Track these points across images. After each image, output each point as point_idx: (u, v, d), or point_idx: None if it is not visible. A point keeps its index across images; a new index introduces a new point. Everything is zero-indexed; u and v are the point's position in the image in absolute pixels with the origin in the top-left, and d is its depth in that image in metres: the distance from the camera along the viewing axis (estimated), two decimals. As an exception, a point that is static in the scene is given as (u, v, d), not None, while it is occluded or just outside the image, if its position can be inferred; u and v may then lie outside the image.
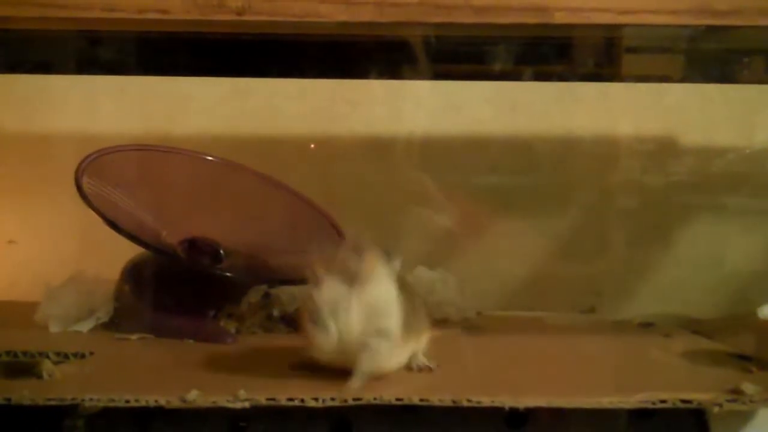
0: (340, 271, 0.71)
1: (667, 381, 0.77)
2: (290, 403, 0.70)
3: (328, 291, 0.72)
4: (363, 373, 0.71)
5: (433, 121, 1.20)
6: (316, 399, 0.70)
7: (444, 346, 0.83)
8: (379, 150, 1.18)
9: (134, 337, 0.93)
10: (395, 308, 0.72)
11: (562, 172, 1.19)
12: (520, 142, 1.19)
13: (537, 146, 1.19)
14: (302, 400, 0.70)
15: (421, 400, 0.70)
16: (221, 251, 1.00)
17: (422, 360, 0.79)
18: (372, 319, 0.71)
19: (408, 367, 0.78)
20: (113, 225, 0.90)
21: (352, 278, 0.70)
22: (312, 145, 1.18)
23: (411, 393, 0.70)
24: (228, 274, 0.97)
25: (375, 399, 0.70)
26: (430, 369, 0.78)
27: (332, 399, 0.70)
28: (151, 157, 1.01)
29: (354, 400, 0.70)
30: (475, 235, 1.17)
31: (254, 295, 0.99)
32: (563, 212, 1.18)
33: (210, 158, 1.05)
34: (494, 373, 0.81)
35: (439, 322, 1.01)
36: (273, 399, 0.70)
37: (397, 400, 0.70)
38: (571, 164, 1.19)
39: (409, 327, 0.75)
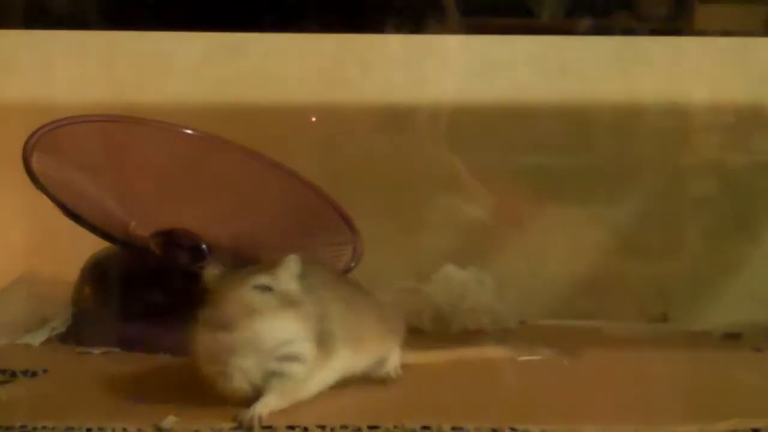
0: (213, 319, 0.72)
1: (757, 406, 0.77)
2: (288, 432, 0.70)
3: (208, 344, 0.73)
4: (274, 398, 0.72)
5: (465, 86, 1.20)
6: (323, 427, 0.71)
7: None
8: (397, 122, 1.18)
9: (97, 351, 0.94)
10: (296, 329, 0.73)
11: (623, 148, 1.19)
12: (572, 111, 1.19)
13: (593, 116, 1.19)
14: (344, 427, 0.71)
15: (453, 428, 0.71)
16: (203, 246, 0.99)
17: (393, 368, 0.82)
18: (272, 353, 0.72)
19: (372, 377, 0.81)
20: (71, 213, 0.91)
21: (227, 323, 0.71)
22: (313, 118, 1.19)
23: (434, 416, 0.71)
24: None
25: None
26: (391, 380, 0.81)
27: (343, 427, 0.71)
28: (117, 131, 1.01)
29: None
30: (516, 227, 1.17)
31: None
32: (626, 198, 1.18)
33: (190, 132, 1.05)
34: (542, 395, 0.81)
35: (471, 334, 1.03)
36: (270, 427, 0.71)
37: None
38: (635, 139, 1.19)
39: (351, 333, 0.77)
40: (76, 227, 0.91)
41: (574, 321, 1.11)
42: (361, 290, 0.84)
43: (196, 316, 0.73)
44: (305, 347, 0.74)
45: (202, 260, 0.98)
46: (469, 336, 1.02)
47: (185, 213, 1.00)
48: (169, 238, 0.98)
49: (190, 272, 0.94)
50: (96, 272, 0.98)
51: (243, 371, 0.72)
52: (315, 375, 0.75)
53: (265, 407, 0.72)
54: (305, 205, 1.04)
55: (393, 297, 1.05)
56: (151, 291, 0.95)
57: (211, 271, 0.75)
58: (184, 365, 0.86)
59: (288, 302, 0.73)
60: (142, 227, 0.98)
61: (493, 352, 0.91)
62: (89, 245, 0.97)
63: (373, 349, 0.81)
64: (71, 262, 0.99)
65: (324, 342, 0.75)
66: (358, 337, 0.79)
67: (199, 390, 0.78)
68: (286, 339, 0.73)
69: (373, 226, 1.06)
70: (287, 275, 0.75)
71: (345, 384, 0.78)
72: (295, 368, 0.73)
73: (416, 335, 1.02)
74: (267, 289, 0.73)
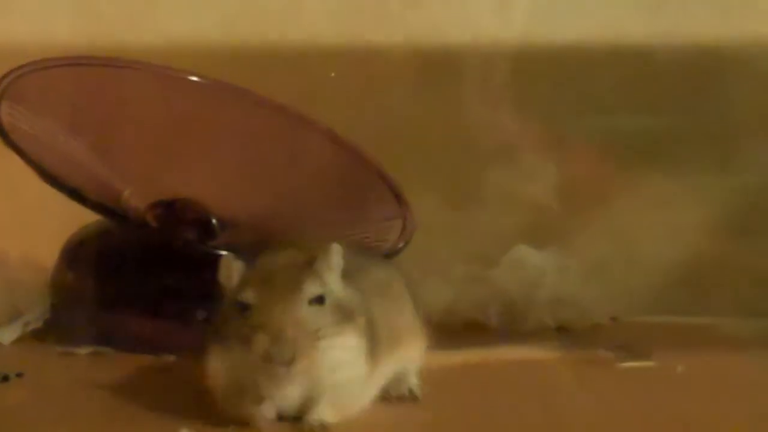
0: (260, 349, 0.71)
1: None
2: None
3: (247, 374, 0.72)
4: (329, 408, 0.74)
5: (533, 24, 1.20)
6: None
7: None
8: (449, 70, 1.19)
9: (83, 351, 0.94)
10: (356, 348, 0.74)
11: (733, 105, 1.19)
12: (669, 57, 1.19)
13: (695, 65, 1.19)
14: None
15: None
16: (213, 220, 1.00)
17: (413, 384, 0.82)
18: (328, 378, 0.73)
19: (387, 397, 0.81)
20: (49, 175, 0.91)
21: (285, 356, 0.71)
22: (332, 74, 1.19)
23: None
24: (224, 254, 0.92)
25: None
26: (415, 398, 0.81)
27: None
28: (106, 77, 1.01)
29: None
30: (603, 201, 1.17)
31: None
32: (736, 168, 1.19)
33: (196, 79, 1.05)
34: (645, 407, 0.81)
35: (550, 332, 1.04)
36: None
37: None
38: (749, 94, 1.19)
39: (391, 338, 0.78)
40: (55, 197, 0.92)
41: (679, 317, 1.12)
42: (397, 278, 0.84)
43: (221, 332, 0.73)
44: (362, 364, 0.75)
45: (211, 238, 0.99)
46: (547, 334, 1.03)
47: (191, 179, 1.01)
48: (171, 211, 0.99)
49: (197, 253, 0.96)
50: (80, 254, 0.98)
51: (287, 400, 0.73)
52: (366, 388, 0.76)
53: (323, 415, 0.73)
54: (342, 171, 1.04)
55: (451, 286, 1.05)
56: (148, 276, 0.95)
57: (231, 267, 0.75)
58: (192, 368, 0.87)
59: (342, 315, 0.73)
60: (138, 196, 0.99)
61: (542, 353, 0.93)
62: (72, 220, 0.97)
63: (403, 356, 0.82)
64: (49, 242, 0.99)
65: (372, 352, 0.76)
66: (396, 340, 0.80)
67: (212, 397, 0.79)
68: (346, 361, 0.73)
69: (425, 199, 1.06)
70: (334, 274, 0.75)
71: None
72: (349, 387, 0.74)
73: (480, 333, 1.04)
74: (320, 300, 0.73)
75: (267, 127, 1.05)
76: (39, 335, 0.98)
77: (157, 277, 0.95)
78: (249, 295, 0.72)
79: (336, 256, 0.75)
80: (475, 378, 0.87)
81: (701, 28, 1.19)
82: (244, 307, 0.72)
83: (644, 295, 1.15)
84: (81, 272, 0.98)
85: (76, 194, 0.92)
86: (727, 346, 1.02)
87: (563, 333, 1.04)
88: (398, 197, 1.02)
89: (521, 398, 0.83)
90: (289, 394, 0.73)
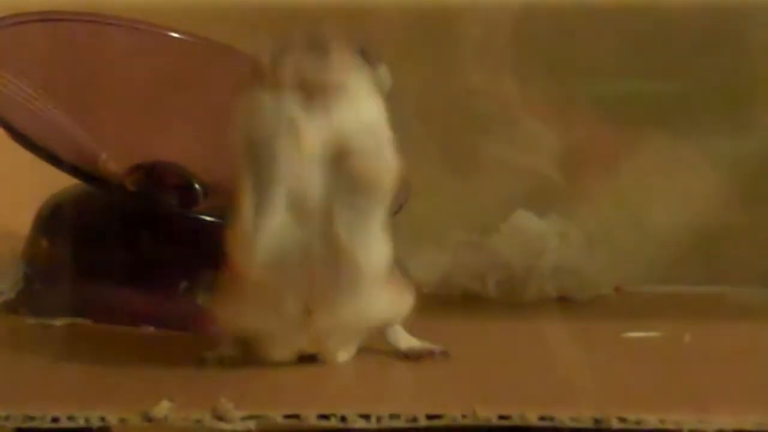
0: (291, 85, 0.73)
1: None
2: (322, 423, 0.69)
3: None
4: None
5: None
6: (366, 417, 0.69)
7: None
8: (444, 27, 1.18)
9: (59, 322, 0.94)
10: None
11: (747, 62, 1.19)
12: (677, 14, 1.19)
13: (705, 22, 1.19)
14: (343, 418, 0.69)
15: (542, 418, 0.69)
16: (196, 185, 0.98)
17: (410, 342, 0.82)
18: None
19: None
20: (22, 139, 0.91)
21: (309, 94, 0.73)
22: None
23: (512, 403, 0.71)
24: (207, 219, 0.95)
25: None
26: (432, 354, 0.81)
27: (393, 417, 0.69)
28: (81, 33, 1.01)
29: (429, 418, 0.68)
30: (608, 166, 1.17)
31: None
32: (749, 129, 1.19)
33: (177, 36, 1.05)
34: (656, 378, 0.81)
35: (552, 303, 1.04)
36: (295, 416, 0.69)
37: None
38: (762, 50, 1.19)
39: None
40: (29, 160, 0.91)
41: (686, 287, 1.13)
42: None
43: None
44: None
45: (194, 203, 0.97)
46: (549, 305, 1.03)
47: (172, 142, 1.00)
48: (151, 175, 0.97)
49: (179, 219, 0.96)
50: (55, 220, 0.98)
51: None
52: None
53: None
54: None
55: (448, 254, 1.04)
56: (128, 244, 0.95)
57: None
58: (175, 338, 0.90)
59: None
60: (117, 159, 0.98)
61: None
62: (46, 184, 0.97)
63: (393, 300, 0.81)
64: (22, 207, 0.99)
65: None
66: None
67: (195, 370, 0.80)
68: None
69: (421, 164, 1.04)
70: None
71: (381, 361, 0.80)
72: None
73: (479, 304, 1.03)
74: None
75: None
76: (11, 306, 0.98)
77: (136, 245, 0.95)
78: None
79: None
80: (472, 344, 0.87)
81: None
82: None
83: (650, 264, 1.17)
84: (56, 240, 0.98)
85: (50, 157, 0.92)
86: (737, 316, 1.03)
87: (565, 304, 1.05)
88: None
89: (523, 370, 0.83)
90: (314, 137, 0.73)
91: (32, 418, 0.68)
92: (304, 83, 0.72)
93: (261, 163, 0.74)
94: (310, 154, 0.73)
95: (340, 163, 0.73)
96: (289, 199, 0.73)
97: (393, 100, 1.13)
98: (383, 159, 0.75)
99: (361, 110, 0.75)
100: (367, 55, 0.76)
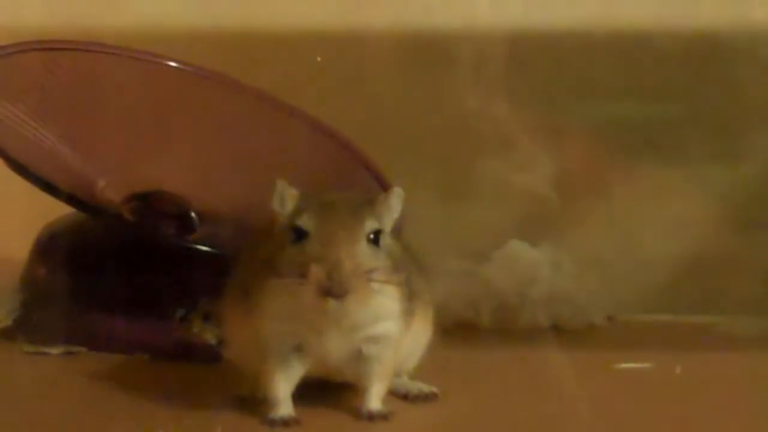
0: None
1: None
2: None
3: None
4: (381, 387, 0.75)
5: (529, 9, 1.19)
6: None
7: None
8: (440, 56, 1.17)
9: (55, 351, 0.94)
10: (398, 299, 0.74)
11: (739, 90, 1.18)
12: (669, 41, 1.18)
13: (697, 49, 1.18)
14: None
15: None
16: (192, 213, 0.99)
17: (413, 385, 0.81)
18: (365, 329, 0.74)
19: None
20: (19, 167, 0.91)
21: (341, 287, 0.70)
22: (318, 58, 1.19)
23: None
24: (204, 249, 0.96)
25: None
26: (431, 396, 0.81)
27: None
28: (78, 62, 1.00)
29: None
30: (601, 193, 1.17)
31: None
32: (742, 155, 1.18)
33: (174, 65, 1.03)
34: (647, 409, 0.81)
35: (544, 331, 1.03)
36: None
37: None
38: (754, 78, 1.18)
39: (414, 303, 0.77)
40: (26, 188, 0.92)
41: (677, 316, 1.12)
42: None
43: (272, 262, 0.72)
44: (400, 320, 0.74)
45: (190, 232, 0.98)
46: (541, 334, 1.02)
47: (168, 170, 1.00)
48: (148, 203, 0.99)
49: (176, 248, 0.97)
50: (52, 248, 0.98)
51: (327, 349, 0.73)
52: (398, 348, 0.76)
53: (378, 401, 0.75)
54: (325, 160, 1.03)
55: (441, 282, 1.04)
56: (124, 272, 0.95)
57: (285, 192, 0.74)
58: (168, 368, 0.91)
59: (392, 263, 0.73)
60: (113, 188, 0.98)
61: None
62: (44, 212, 0.97)
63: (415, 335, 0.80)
64: (20, 235, 0.99)
65: (407, 312, 0.76)
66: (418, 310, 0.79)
67: (190, 400, 0.80)
68: (389, 312, 0.73)
69: (414, 191, 1.03)
70: (391, 217, 0.75)
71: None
72: (386, 352, 0.74)
73: (472, 332, 1.03)
74: (377, 240, 0.72)
75: (247, 114, 1.04)
76: (8, 334, 0.98)
77: (133, 274, 0.95)
78: (307, 222, 0.71)
79: (396, 199, 0.75)
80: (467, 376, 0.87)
81: (702, 14, 1.18)
82: (300, 235, 0.71)
83: (643, 292, 1.16)
84: (53, 267, 0.98)
85: (47, 185, 0.92)
86: (730, 345, 1.02)
87: (557, 333, 1.04)
88: (384, 187, 1.01)
89: (516, 399, 0.83)
90: (332, 341, 0.72)
91: (26, 448, 0.69)
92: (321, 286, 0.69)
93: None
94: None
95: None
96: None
97: (388, 126, 1.16)
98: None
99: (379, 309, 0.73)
100: (378, 205, 0.74)
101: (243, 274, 0.77)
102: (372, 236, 0.71)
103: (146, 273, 0.95)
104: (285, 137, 1.05)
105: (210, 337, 0.95)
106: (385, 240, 0.73)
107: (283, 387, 0.73)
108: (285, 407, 0.73)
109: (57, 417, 0.78)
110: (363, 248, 0.70)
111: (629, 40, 1.19)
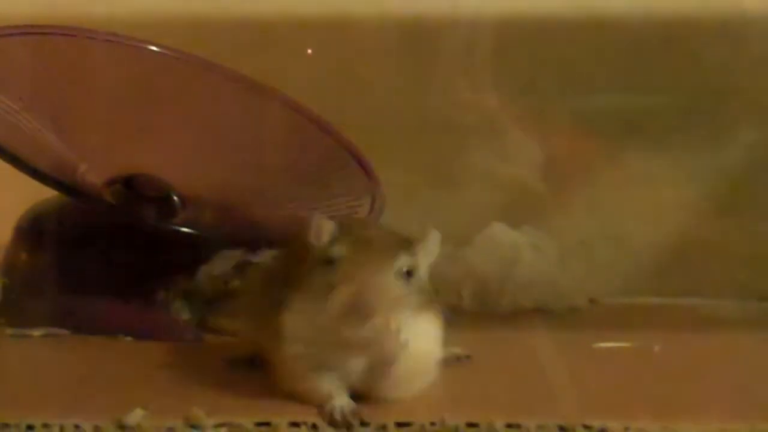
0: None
1: None
2: (293, 431, 0.70)
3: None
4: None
5: None
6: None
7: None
8: (425, 43, 1.17)
9: (37, 333, 0.94)
10: (430, 336, 0.77)
11: (723, 78, 1.18)
12: (654, 29, 1.18)
13: (681, 37, 1.17)
14: (314, 426, 0.71)
15: (509, 426, 0.71)
16: (174, 197, 1.00)
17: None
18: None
19: None
20: (1, 150, 0.90)
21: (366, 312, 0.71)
22: (309, 50, 1.18)
23: (482, 411, 0.72)
24: (184, 230, 0.97)
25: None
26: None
27: (363, 425, 0.71)
28: (60, 47, 1.00)
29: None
30: (584, 179, 1.17)
31: (222, 265, 0.98)
32: (725, 144, 1.18)
33: (155, 49, 1.04)
34: (624, 387, 0.82)
35: (526, 314, 1.03)
36: (266, 424, 0.70)
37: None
38: (739, 66, 1.18)
39: None
40: (8, 171, 0.91)
41: (660, 299, 1.12)
42: None
43: (302, 289, 0.73)
44: (436, 350, 0.77)
45: (172, 215, 0.99)
46: (523, 316, 1.02)
47: (150, 154, 1.00)
48: (130, 187, 0.99)
49: (157, 231, 0.96)
50: (34, 231, 0.98)
51: (352, 370, 0.74)
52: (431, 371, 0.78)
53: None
54: (308, 145, 1.04)
55: None
56: (106, 255, 0.95)
57: (322, 225, 0.74)
58: (149, 348, 0.90)
59: (424, 299, 0.75)
60: (95, 172, 0.98)
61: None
62: (25, 195, 0.97)
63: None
64: (2, 218, 0.99)
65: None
66: None
67: (170, 378, 0.81)
68: (419, 343, 0.74)
69: (397, 175, 1.06)
70: (427, 259, 0.76)
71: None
72: (416, 367, 0.75)
73: (454, 315, 1.03)
74: (408, 276, 0.73)
75: (229, 99, 1.05)
76: None
77: (115, 256, 0.95)
78: (339, 250, 0.72)
79: (435, 242, 0.76)
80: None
81: (685, 1, 1.18)
82: (331, 262, 0.72)
83: (626, 276, 1.15)
84: (35, 250, 0.98)
85: (29, 169, 0.91)
86: (711, 327, 1.03)
87: (539, 316, 1.04)
88: (368, 173, 1.03)
89: (494, 379, 0.84)
90: (355, 363, 0.73)
91: (7, 426, 0.69)
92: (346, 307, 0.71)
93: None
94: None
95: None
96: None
97: (374, 113, 1.15)
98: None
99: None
100: (415, 245, 0.75)
101: (270, 286, 0.79)
102: (404, 271, 0.72)
103: (128, 255, 0.95)
104: (266, 121, 1.05)
105: (188, 316, 0.96)
106: (418, 279, 0.74)
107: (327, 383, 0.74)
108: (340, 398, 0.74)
109: (38, 396, 0.78)
110: (392, 279, 0.71)
111: (613, 30, 1.18)
